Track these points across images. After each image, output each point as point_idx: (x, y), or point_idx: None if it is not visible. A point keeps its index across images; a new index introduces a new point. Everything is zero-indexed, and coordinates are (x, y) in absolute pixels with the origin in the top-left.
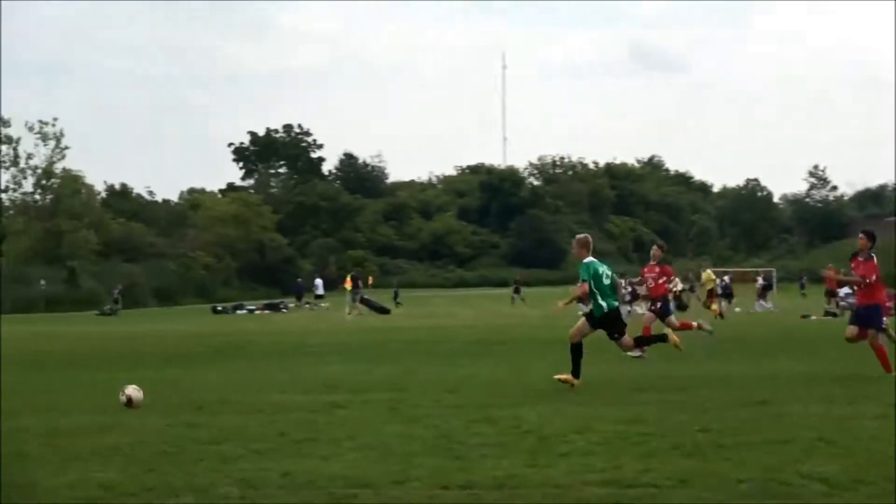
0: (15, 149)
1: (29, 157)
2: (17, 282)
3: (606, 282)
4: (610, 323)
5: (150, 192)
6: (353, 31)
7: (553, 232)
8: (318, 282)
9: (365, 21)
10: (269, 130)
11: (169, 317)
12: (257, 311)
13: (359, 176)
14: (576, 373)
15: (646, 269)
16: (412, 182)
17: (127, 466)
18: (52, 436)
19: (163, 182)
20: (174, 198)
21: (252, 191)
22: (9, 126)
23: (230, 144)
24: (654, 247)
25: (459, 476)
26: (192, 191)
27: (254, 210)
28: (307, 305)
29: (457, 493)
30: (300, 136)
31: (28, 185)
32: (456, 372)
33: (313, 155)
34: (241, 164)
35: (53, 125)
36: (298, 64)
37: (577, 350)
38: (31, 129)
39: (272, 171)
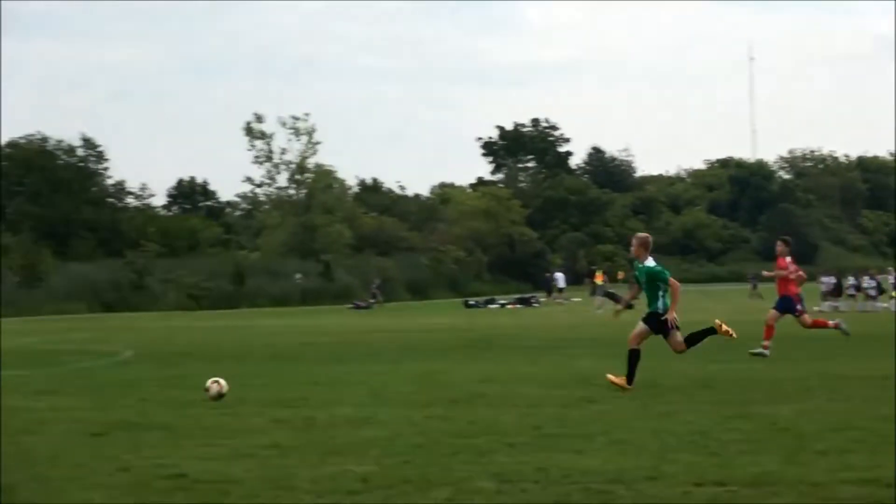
0: (269, 144)
1: (283, 152)
2: (274, 275)
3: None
4: (655, 322)
5: (402, 187)
6: (600, 24)
7: (804, 226)
8: (559, 275)
9: (611, 14)
10: (516, 125)
11: (422, 311)
12: (509, 306)
13: (606, 170)
14: (630, 379)
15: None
16: (660, 176)
17: (383, 459)
18: (309, 429)
19: (414, 176)
20: (425, 192)
21: (501, 185)
22: (263, 122)
23: (479, 139)
24: (778, 241)
25: (714, 473)
26: (442, 185)
27: (503, 204)
28: (558, 300)
29: (712, 489)
30: (547, 131)
31: (282, 179)
32: (708, 367)
33: (561, 149)
34: (490, 158)
35: (306, 120)
36: (546, 58)
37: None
38: (284, 124)
39: (521, 166)
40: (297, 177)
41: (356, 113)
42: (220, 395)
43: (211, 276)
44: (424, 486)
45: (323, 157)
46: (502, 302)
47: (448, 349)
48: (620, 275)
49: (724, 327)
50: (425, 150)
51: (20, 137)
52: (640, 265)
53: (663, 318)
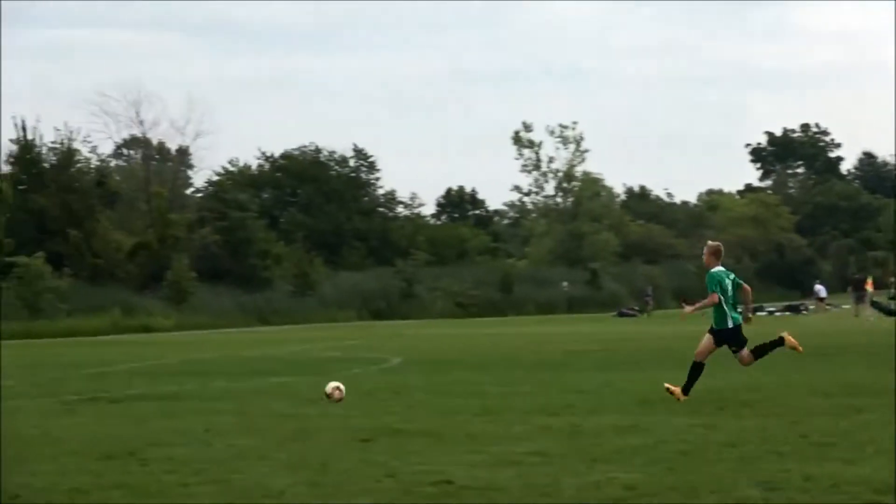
0: (537, 153)
1: (550, 160)
2: (541, 283)
3: (731, 293)
4: (733, 337)
5: (669, 194)
6: (871, 26)
7: None
8: (819, 287)
9: (880, 14)
10: (785, 130)
11: (688, 318)
12: (777, 313)
13: (878, 175)
14: (686, 389)
15: None
16: None
17: (648, 467)
18: (574, 436)
19: (681, 184)
20: (692, 199)
21: (770, 191)
22: (531, 131)
23: (747, 145)
24: None
25: None
26: (710, 192)
27: (772, 211)
28: (827, 307)
29: None
30: (818, 136)
31: (549, 188)
32: None
33: (831, 154)
34: (758, 164)
35: (573, 129)
36: (817, 61)
37: (698, 369)
38: (552, 133)
39: (790, 172)
40: (565, 185)
41: (623, 120)
42: (331, 397)
43: (478, 285)
44: (690, 494)
45: (590, 166)
46: (770, 309)
47: (714, 356)
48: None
49: (791, 340)
50: (693, 156)
51: (294, 149)
52: (708, 272)
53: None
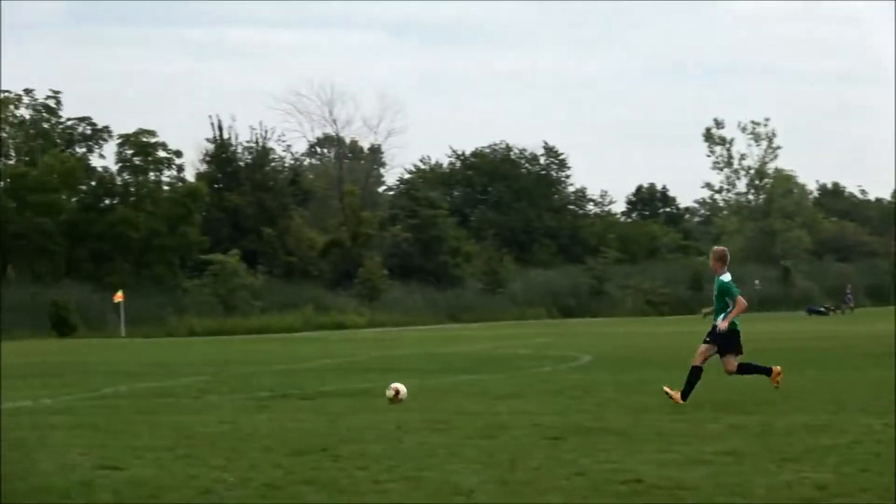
0: (728, 150)
1: (742, 157)
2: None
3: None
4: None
5: (863, 191)
6: None
7: None
8: None
9: None
10: None
11: (883, 317)
12: None
13: None
14: (685, 395)
15: None
16: None
17: (840, 467)
18: (766, 435)
19: (875, 180)
20: (887, 196)
21: None
22: (723, 127)
23: None
24: None
25: None
26: None
27: None
28: None
29: None
30: None
31: (741, 185)
32: None
33: None
34: None
35: (766, 125)
36: None
37: (696, 373)
38: (743, 129)
39: None
40: (757, 182)
41: (817, 117)
42: (396, 398)
43: (669, 283)
44: (883, 496)
45: (783, 162)
46: None
47: None
48: None
49: (778, 378)
50: (887, 153)
51: (485, 147)
52: (718, 278)
53: (714, 324)
